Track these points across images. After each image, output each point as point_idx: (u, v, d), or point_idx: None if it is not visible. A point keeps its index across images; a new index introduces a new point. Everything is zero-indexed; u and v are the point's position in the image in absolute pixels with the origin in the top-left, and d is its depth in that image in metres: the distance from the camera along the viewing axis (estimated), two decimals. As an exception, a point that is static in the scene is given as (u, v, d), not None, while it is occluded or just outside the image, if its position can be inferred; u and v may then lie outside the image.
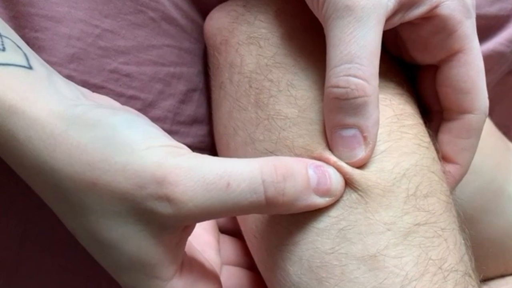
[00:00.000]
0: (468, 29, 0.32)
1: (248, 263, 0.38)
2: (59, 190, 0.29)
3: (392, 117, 0.32)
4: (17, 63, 0.31)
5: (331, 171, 0.30)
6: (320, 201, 0.30)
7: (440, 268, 0.29)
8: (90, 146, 0.28)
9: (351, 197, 0.30)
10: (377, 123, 0.30)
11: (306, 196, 0.29)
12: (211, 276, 0.33)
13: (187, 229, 0.30)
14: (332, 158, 0.31)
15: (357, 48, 0.29)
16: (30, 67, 0.31)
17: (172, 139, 0.30)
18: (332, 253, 0.30)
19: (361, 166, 0.31)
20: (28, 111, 0.29)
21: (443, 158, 0.35)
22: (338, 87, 0.29)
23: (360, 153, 0.30)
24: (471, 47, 0.33)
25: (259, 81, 0.34)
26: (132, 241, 0.29)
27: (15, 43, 0.32)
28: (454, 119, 0.34)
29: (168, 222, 0.28)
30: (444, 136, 0.35)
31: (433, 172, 0.32)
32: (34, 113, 0.29)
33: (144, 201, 0.28)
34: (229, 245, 0.39)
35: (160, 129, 0.31)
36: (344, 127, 0.30)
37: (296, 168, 0.29)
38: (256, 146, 0.33)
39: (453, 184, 0.35)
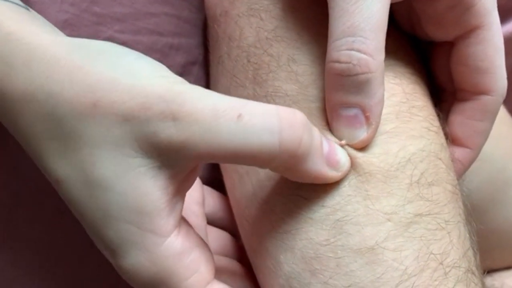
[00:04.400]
0: (488, 3, 0.30)
1: (236, 256, 0.37)
2: (51, 119, 0.27)
3: (402, 97, 0.30)
4: (15, 2, 0.30)
5: (338, 146, 0.28)
6: (328, 171, 0.27)
7: (441, 263, 0.28)
8: (95, 69, 0.26)
9: (349, 184, 0.28)
10: (381, 102, 0.28)
11: (317, 159, 0.27)
12: (207, 246, 0.30)
13: (187, 178, 0.28)
14: (333, 139, 0.29)
15: (361, 19, 0.27)
16: (28, 9, 0.30)
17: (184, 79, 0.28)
18: (327, 244, 0.28)
19: (363, 148, 0.29)
20: (27, 38, 0.27)
21: (453, 140, 0.33)
22: (339, 62, 0.27)
23: (362, 134, 0.28)
24: (490, 22, 0.30)
25: (258, 55, 0.32)
26: (128, 179, 0.26)
27: None
28: (468, 100, 0.32)
29: (169, 153, 0.26)
30: (456, 117, 0.33)
31: (440, 159, 0.30)
32: (34, 40, 0.27)
33: (147, 123, 0.25)
34: (215, 236, 0.37)
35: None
36: (346, 106, 0.28)
37: (313, 126, 0.27)
38: None
39: (461, 171, 0.33)
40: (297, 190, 0.29)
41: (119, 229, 0.27)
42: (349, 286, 0.27)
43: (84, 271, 0.38)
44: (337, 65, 0.27)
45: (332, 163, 0.28)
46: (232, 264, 0.36)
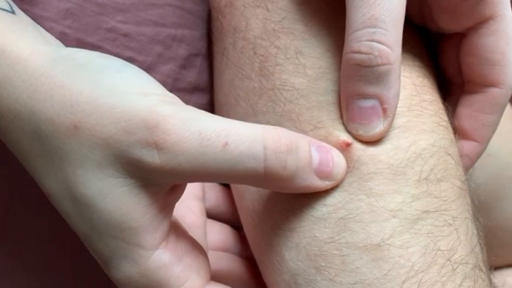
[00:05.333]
0: None
1: (237, 251, 0.36)
2: (36, 137, 0.27)
3: (412, 90, 0.30)
4: None
5: (334, 153, 0.28)
6: (320, 183, 0.28)
7: (449, 259, 0.27)
8: (75, 86, 0.26)
9: (351, 183, 0.28)
10: (397, 95, 0.28)
11: (306, 175, 0.27)
12: (200, 250, 0.30)
13: (174, 191, 0.28)
14: (343, 136, 0.28)
15: (381, 11, 0.26)
16: (13, 12, 0.29)
17: (168, 92, 0.28)
18: (332, 242, 0.28)
19: (375, 142, 0.28)
20: (8, 50, 0.27)
21: (461, 133, 0.32)
22: (359, 52, 0.27)
23: (378, 126, 0.28)
24: (503, 14, 0.30)
25: (264, 47, 0.31)
26: (111, 198, 0.26)
27: None
28: (477, 92, 0.32)
29: (153, 176, 0.26)
30: (464, 110, 0.32)
31: (449, 155, 0.30)
32: (15, 52, 0.27)
33: (129, 149, 0.25)
34: (216, 230, 0.37)
35: (156, 80, 0.28)
36: (363, 97, 0.28)
37: (300, 142, 0.27)
38: (258, 118, 0.31)
39: (469, 166, 0.33)
40: None
41: (107, 243, 0.27)
42: (355, 283, 0.27)
43: (83, 265, 0.37)
44: (357, 55, 0.27)
45: (323, 175, 0.28)
46: (232, 261, 0.35)
